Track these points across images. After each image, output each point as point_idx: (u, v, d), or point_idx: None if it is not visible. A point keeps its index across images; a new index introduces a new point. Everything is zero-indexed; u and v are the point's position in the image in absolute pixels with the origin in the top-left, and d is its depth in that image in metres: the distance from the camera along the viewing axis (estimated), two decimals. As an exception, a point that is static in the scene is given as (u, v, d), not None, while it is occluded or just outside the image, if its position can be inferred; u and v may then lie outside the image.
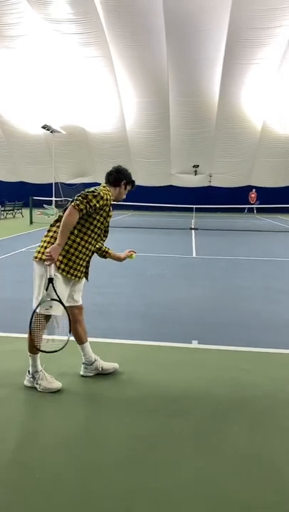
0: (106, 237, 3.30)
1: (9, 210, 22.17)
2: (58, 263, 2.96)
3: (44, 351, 2.97)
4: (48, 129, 25.05)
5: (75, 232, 3.02)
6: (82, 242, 3.06)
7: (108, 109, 27.01)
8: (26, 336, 3.10)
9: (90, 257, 3.21)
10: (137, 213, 26.28)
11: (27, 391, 3.09)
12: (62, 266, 3.00)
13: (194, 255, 10.10)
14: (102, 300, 5.60)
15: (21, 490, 2.08)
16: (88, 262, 3.20)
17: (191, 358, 3.80)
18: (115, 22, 21.38)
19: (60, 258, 2.97)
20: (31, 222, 17.47)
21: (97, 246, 3.26)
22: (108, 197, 3.10)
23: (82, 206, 2.91)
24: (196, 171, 30.95)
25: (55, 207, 20.01)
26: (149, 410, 2.86)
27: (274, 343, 4.19)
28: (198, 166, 30.60)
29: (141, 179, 31.55)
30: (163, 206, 21.62)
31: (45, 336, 3.04)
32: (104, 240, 3.33)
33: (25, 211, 22.16)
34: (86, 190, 3.03)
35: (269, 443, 2.50)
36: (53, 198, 23.07)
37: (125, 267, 7.54)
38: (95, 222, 3.08)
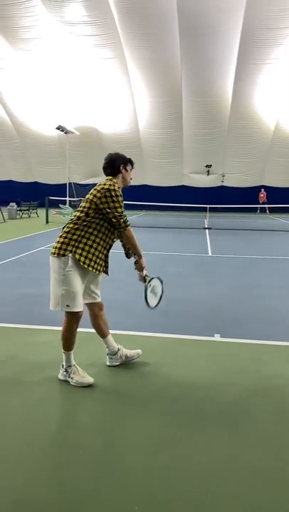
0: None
1: (25, 210, 22.50)
2: (77, 255, 3.02)
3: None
4: (62, 130, 25.37)
5: (93, 225, 3.08)
6: (100, 234, 3.11)
7: (121, 110, 27.25)
8: (50, 328, 3.25)
9: (108, 251, 3.26)
10: (149, 213, 26.43)
11: (58, 379, 3.25)
12: (83, 258, 3.05)
13: (210, 254, 10.22)
14: (122, 297, 5.76)
15: (64, 465, 2.26)
16: (107, 256, 3.25)
17: (214, 351, 3.94)
18: (129, 23, 21.60)
19: (80, 251, 3.03)
20: (47, 222, 17.74)
21: (114, 240, 3.27)
22: (118, 189, 3.11)
23: (125, 218, 3.11)
24: (208, 171, 30.99)
25: (70, 207, 20.28)
26: (177, 398, 3.01)
27: (293, 337, 4.31)
28: (210, 166, 30.64)
29: (154, 179, 31.82)
30: (176, 206, 21.76)
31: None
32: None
33: (40, 211, 22.50)
34: (104, 192, 3.02)
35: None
36: (67, 198, 23.38)
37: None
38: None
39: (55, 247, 3.08)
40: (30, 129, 29.73)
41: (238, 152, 29.05)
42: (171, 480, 2.14)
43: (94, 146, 29.83)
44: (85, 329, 3.48)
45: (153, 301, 3.48)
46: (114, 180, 3.17)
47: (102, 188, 3.06)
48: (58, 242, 3.10)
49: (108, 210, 3.04)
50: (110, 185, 3.07)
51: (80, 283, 3.10)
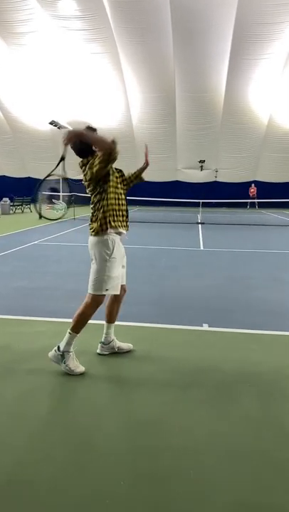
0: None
1: (18, 205, 22.46)
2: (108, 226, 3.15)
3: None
4: (55, 125, 25.30)
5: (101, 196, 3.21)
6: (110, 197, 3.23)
7: (114, 105, 27.21)
8: (42, 319, 3.33)
9: (123, 205, 3.35)
10: (143, 208, 26.49)
11: (50, 367, 3.34)
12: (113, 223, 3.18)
13: (202, 248, 10.32)
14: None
15: (54, 445, 2.35)
16: (127, 211, 3.38)
17: (202, 339, 4.04)
18: (122, 18, 21.53)
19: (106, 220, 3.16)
20: (40, 217, 17.71)
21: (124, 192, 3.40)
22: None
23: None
24: (202, 167, 31.09)
25: (64, 202, 20.26)
26: (165, 383, 3.11)
27: (280, 326, 4.42)
28: (204, 161, 30.73)
29: (147, 174, 31.74)
30: (169, 201, 21.83)
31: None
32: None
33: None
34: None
35: (276, 409, 2.74)
36: (61, 193, 23.34)
37: (137, 258, 7.79)
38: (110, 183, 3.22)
39: (92, 227, 3.20)
40: (24, 124, 29.60)
41: (232, 147, 29.17)
42: (156, 458, 2.24)
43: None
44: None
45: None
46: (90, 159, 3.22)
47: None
48: (92, 222, 3.22)
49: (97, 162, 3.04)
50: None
51: (120, 267, 3.30)
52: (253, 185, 29.42)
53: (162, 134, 28.52)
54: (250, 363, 3.47)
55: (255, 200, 26.08)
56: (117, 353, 3.59)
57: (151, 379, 3.17)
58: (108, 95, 26.62)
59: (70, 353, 3.20)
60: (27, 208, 23.27)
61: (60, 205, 19.42)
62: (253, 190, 29.09)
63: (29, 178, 32.40)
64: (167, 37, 22.38)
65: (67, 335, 3.21)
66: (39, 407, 2.74)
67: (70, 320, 3.31)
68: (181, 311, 4.96)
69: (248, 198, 27.93)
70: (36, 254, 8.85)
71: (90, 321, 3.29)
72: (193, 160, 30.64)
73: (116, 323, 3.64)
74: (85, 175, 3.19)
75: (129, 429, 2.51)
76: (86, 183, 3.22)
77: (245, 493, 1.98)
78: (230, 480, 2.07)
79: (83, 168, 3.21)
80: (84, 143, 3.11)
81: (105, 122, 28.63)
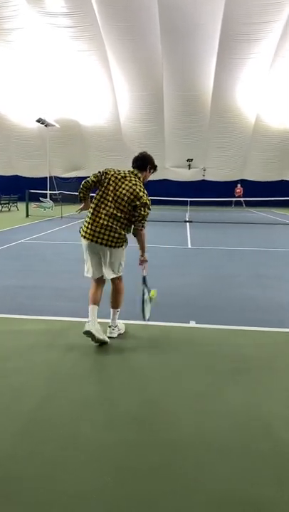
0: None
1: (5, 204, 22.26)
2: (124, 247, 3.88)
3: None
4: (42, 123, 25.13)
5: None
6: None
7: (102, 103, 27.13)
8: (29, 317, 3.31)
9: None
10: (131, 207, 26.43)
11: (37, 365, 3.34)
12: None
13: (189, 246, 10.38)
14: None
15: (42, 443, 2.36)
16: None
17: (189, 335, 4.08)
18: (109, 15, 21.49)
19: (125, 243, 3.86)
20: (27, 215, 17.63)
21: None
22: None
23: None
24: (189, 165, 31.19)
25: (51, 200, 20.17)
26: (155, 373, 3.14)
27: (266, 322, 4.48)
28: (192, 160, 30.83)
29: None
30: (158, 199, 21.81)
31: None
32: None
33: (21, 204, 22.28)
34: (144, 198, 3.72)
35: (262, 397, 2.79)
36: (48, 191, 23.21)
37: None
38: None
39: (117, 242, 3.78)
40: (11, 121, 29.31)
41: (219, 146, 29.32)
42: (144, 451, 2.26)
43: (75, 139, 29.65)
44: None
45: (147, 313, 4.18)
46: (139, 175, 3.85)
47: (147, 200, 3.79)
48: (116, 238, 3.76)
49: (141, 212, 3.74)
50: (143, 188, 3.83)
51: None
52: (239, 185, 29.56)
53: (150, 133, 28.54)
54: (237, 356, 3.52)
55: (241, 199, 26.16)
56: (104, 349, 3.61)
57: (141, 369, 3.20)
58: (96, 93, 26.55)
59: (118, 324, 3.96)
60: (14, 206, 23.09)
61: (48, 203, 19.35)
62: (239, 190, 29.23)
63: (16, 176, 32.15)
64: (155, 35, 22.39)
65: (114, 315, 3.92)
66: (26, 404, 2.74)
67: (58, 318, 3.31)
68: (169, 308, 4.98)
69: (234, 196, 28.14)
70: (23, 253, 8.80)
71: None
72: (181, 159, 30.72)
73: (100, 320, 3.70)
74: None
75: (114, 421, 2.52)
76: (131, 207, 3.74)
77: (231, 486, 2.02)
78: (217, 473, 2.11)
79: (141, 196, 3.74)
80: (144, 164, 3.96)
81: (93, 120, 28.60)
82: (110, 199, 3.67)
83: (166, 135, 28.89)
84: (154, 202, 18.13)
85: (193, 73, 24.51)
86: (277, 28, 21.49)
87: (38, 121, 24.94)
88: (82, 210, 3.94)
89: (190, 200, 22.17)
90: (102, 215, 3.66)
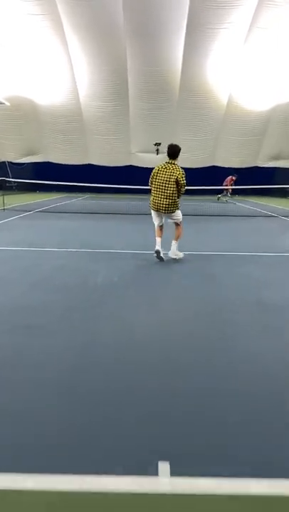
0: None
1: None
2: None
3: None
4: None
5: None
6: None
7: (58, 79, 23.99)
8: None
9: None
10: (94, 196, 23.82)
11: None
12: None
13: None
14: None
15: None
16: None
17: None
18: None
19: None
20: None
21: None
22: None
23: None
24: (158, 150, 28.48)
25: (3, 188, 17.20)
26: None
27: None
28: (160, 144, 28.06)
29: (97, 158, 28.95)
30: (123, 188, 19.16)
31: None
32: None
33: None
34: (183, 176, 6.76)
35: None
36: (-2, 178, 20.16)
37: (67, 269, 5.26)
38: None
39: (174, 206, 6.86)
40: None
41: (189, 129, 26.74)
42: None
43: (29, 119, 26.38)
44: None
45: None
46: (175, 162, 6.79)
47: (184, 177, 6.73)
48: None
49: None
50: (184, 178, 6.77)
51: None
52: (233, 177, 24.45)
53: (113, 113, 25.68)
54: None
55: (224, 187, 23.17)
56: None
57: None
58: (51, 67, 23.35)
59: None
60: None
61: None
62: (230, 181, 24.83)
63: None
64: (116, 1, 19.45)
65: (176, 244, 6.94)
66: None
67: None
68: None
69: (210, 185, 24.49)
70: None
71: None
72: (148, 143, 27.96)
73: None
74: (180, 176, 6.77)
75: None
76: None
77: None
78: None
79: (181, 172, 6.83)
80: (177, 154, 6.92)
81: (49, 99, 25.45)
82: (164, 184, 6.68)
83: (132, 116, 26.09)
84: (118, 191, 15.13)
85: (159, 45, 21.69)
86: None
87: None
88: None
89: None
90: (160, 195, 6.72)
